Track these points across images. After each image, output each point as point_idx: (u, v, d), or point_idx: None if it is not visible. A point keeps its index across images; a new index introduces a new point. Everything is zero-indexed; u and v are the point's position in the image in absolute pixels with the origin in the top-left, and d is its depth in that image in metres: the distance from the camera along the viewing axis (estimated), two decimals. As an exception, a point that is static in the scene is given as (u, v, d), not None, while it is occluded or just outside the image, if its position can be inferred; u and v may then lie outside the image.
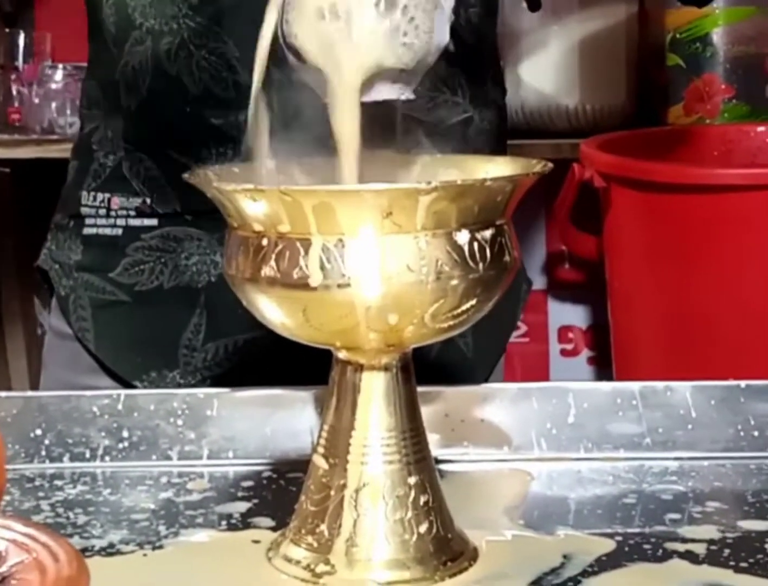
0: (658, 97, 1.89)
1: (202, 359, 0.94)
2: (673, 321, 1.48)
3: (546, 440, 0.77)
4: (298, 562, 0.61)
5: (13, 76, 2.03)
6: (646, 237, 1.50)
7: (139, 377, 0.94)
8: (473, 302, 0.58)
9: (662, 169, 1.48)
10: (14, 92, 2.01)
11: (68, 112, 1.94)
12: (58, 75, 1.98)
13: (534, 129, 1.82)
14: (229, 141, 0.90)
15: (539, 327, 2.07)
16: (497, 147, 0.99)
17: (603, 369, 2.01)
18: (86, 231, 0.97)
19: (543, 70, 1.81)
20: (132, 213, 0.95)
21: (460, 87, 0.95)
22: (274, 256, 0.56)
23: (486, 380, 0.98)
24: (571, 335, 2.08)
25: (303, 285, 0.56)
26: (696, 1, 1.06)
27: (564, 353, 2.09)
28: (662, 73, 1.87)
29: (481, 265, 0.57)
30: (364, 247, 0.55)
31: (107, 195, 0.96)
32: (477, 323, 0.92)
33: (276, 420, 0.78)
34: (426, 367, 0.82)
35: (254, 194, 0.56)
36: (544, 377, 2.06)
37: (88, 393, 0.78)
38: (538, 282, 1.99)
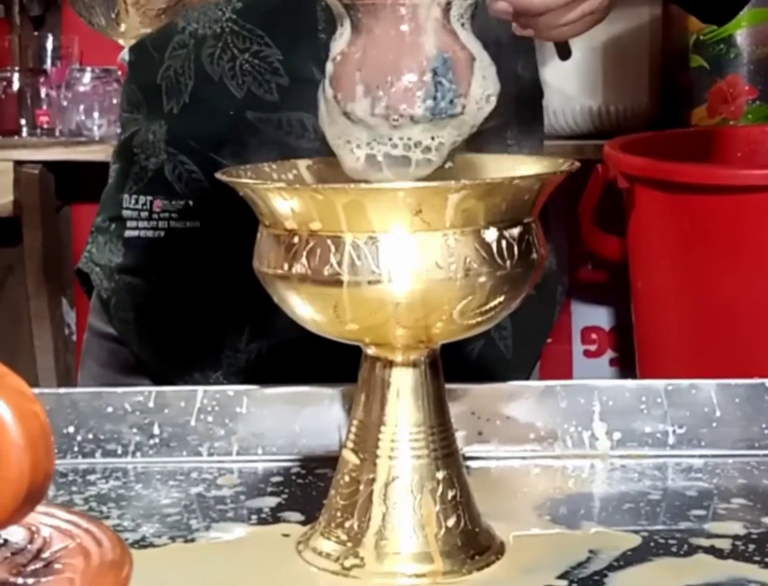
0: (682, 98, 1.89)
1: (245, 359, 0.94)
2: (697, 321, 1.48)
3: (572, 437, 0.78)
4: (327, 555, 0.61)
5: (41, 79, 2.05)
6: (670, 238, 1.50)
7: (182, 378, 0.95)
8: (501, 298, 0.59)
9: (686, 169, 1.48)
10: (42, 95, 2.03)
11: (96, 114, 1.96)
12: (86, 78, 2.00)
13: (558, 130, 1.83)
14: (272, 143, 0.91)
15: (562, 328, 2.07)
16: (535, 148, 1.00)
17: (626, 370, 2.01)
18: (128, 234, 0.98)
19: (566, 72, 1.81)
20: (174, 215, 0.96)
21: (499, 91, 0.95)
22: (305, 253, 0.57)
23: None
24: (594, 336, 2.09)
25: (334, 282, 0.57)
26: (716, 20, 1.05)
27: (587, 353, 2.10)
28: (686, 74, 1.88)
29: (508, 262, 0.58)
30: (394, 244, 0.56)
31: (149, 198, 0.97)
32: (517, 325, 0.93)
33: (304, 417, 0.78)
34: (467, 368, 0.83)
35: (286, 193, 0.57)
36: (567, 378, 2.06)
37: (119, 390, 0.79)
38: (562, 283, 1.99)
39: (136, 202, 0.97)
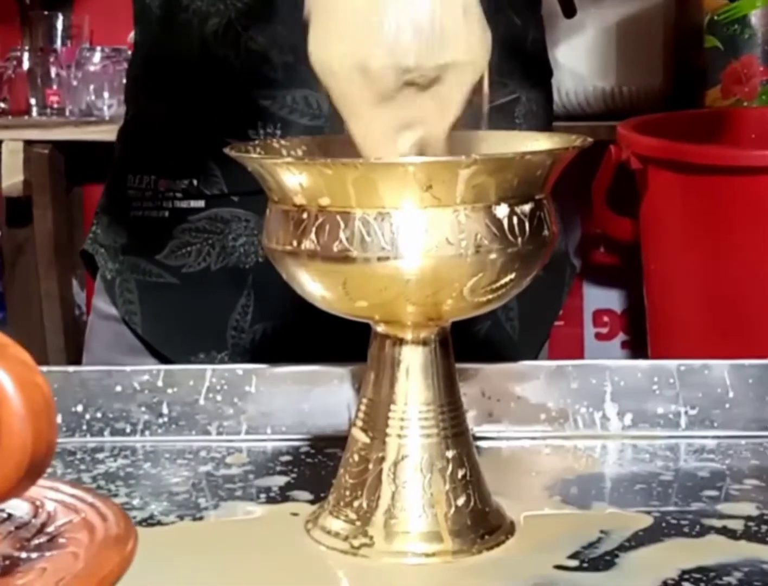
0: (696, 79, 1.88)
1: (250, 340, 0.94)
2: (710, 304, 1.47)
3: (582, 417, 0.77)
4: (336, 534, 0.61)
5: (51, 59, 2.05)
6: (683, 219, 1.49)
7: (187, 359, 0.94)
8: (512, 276, 0.58)
9: (700, 150, 1.47)
10: (53, 74, 2.03)
11: (106, 94, 1.95)
12: (97, 57, 1.99)
13: (570, 111, 1.82)
14: (277, 121, 0.90)
15: (574, 310, 2.07)
16: (544, 128, 0.99)
17: (638, 353, 2.01)
18: (132, 213, 0.97)
19: (579, 53, 1.80)
20: (179, 195, 0.95)
21: (507, 68, 0.94)
22: (314, 229, 0.57)
23: None
24: (606, 318, 2.08)
25: (343, 258, 0.56)
26: None
27: (599, 336, 2.09)
28: (700, 55, 1.86)
29: (519, 239, 0.57)
30: (403, 220, 0.55)
31: (153, 177, 0.96)
32: (524, 306, 0.92)
33: (313, 396, 0.78)
34: (473, 349, 0.82)
35: (295, 167, 0.56)
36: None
37: (128, 368, 0.79)
38: (573, 265, 1.98)
39: (141, 181, 0.96)
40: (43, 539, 0.40)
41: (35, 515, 0.41)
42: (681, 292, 1.52)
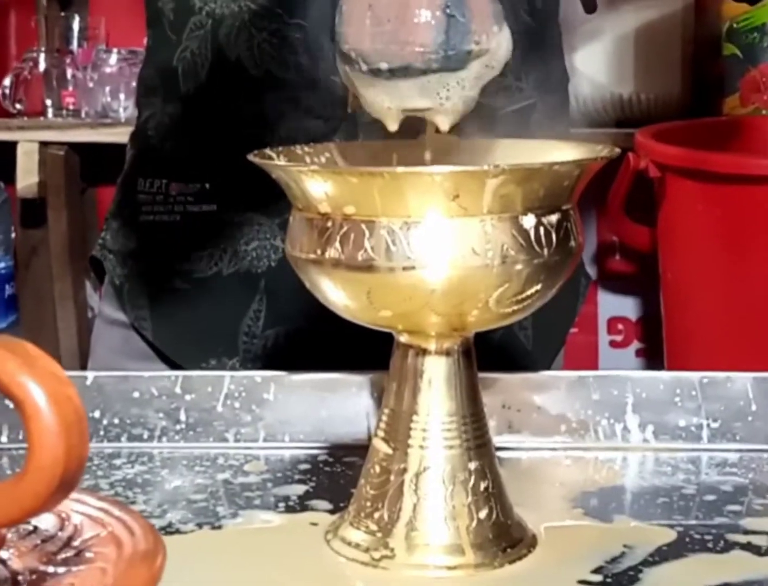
0: (714, 87, 1.87)
1: (261, 345, 0.93)
2: (729, 313, 1.46)
3: (603, 429, 0.77)
4: (357, 545, 0.60)
5: (67, 60, 2.05)
6: (702, 228, 1.48)
7: (198, 365, 0.94)
8: (537, 287, 0.58)
9: (719, 159, 1.46)
10: (68, 76, 2.02)
11: (122, 96, 1.95)
12: (113, 59, 1.99)
13: (587, 118, 1.81)
14: (291, 122, 0.90)
15: (589, 318, 2.05)
16: (560, 135, 0.98)
17: (652, 361, 2.00)
18: (143, 218, 0.96)
19: (597, 59, 1.79)
20: (190, 199, 0.94)
21: (523, 73, 0.94)
22: (338, 237, 0.56)
23: None
24: (620, 326, 2.07)
25: (367, 267, 0.55)
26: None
27: (613, 344, 2.08)
28: (718, 63, 1.85)
29: (546, 250, 0.57)
30: (429, 230, 0.55)
31: (165, 181, 0.95)
32: (538, 316, 0.92)
33: (331, 404, 0.78)
34: (487, 359, 0.82)
35: (320, 175, 0.55)
36: (593, 368, 2.05)
37: (146, 374, 0.78)
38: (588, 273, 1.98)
39: (152, 185, 0.96)
40: (69, 553, 0.39)
41: (61, 528, 0.41)
42: (699, 301, 1.51)
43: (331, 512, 0.66)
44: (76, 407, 0.34)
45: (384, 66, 0.59)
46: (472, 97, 0.62)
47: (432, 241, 0.55)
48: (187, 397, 0.77)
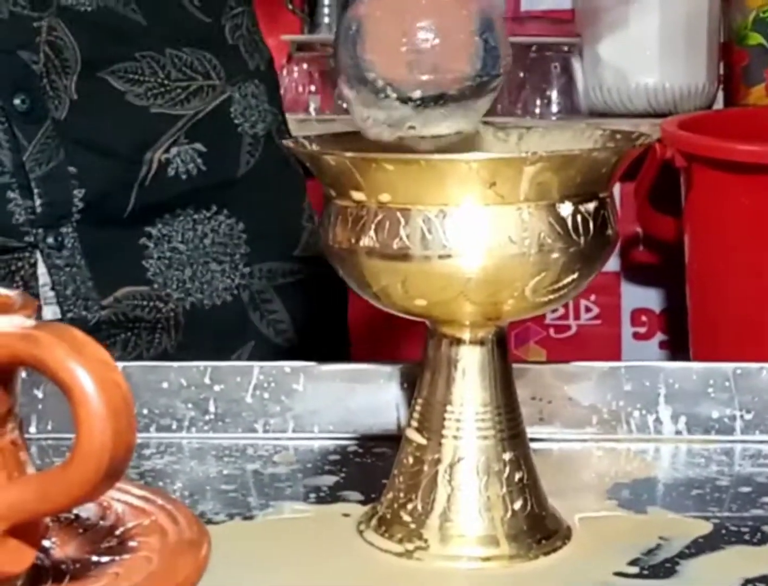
0: (740, 77, 1.86)
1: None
2: (757, 304, 1.45)
3: (635, 420, 0.76)
4: (390, 536, 0.60)
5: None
6: (729, 218, 1.47)
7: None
8: (574, 276, 0.57)
9: (746, 149, 1.45)
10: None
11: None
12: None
13: (612, 108, 1.80)
14: None
15: (612, 309, 2.05)
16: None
17: (676, 353, 1.99)
18: None
19: (622, 49, 1.78)
20: None
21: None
22: (373, 226, 0.55)
23: None
24: (644, 318, 2.06)
25: (403, 256, 0.55)
26: None
27: (636, 336, 2.07)
28: (744, 52, 1.84)
29: (583, 238, 0.56)
30: (465, 218, 0.54)
31: None
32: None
33: (360, 395, 0.77)
34: None
35: (356, 163, 0.55)
36: (616, 360, 2.04)
37: (174, 364, 0.78)
38: (612, 264, 1.96)
39: None
40: (113, 542, 0.39)
41: (103, 518, 0.40)
42: (726, 292, 1.50)
43: (363, 503, 0.65)
44: (124, 394, 0.34)
45: (417, 94, 0.59)
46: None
47: (468, 229, 0.54)
48: (216, 387, 0.77)
